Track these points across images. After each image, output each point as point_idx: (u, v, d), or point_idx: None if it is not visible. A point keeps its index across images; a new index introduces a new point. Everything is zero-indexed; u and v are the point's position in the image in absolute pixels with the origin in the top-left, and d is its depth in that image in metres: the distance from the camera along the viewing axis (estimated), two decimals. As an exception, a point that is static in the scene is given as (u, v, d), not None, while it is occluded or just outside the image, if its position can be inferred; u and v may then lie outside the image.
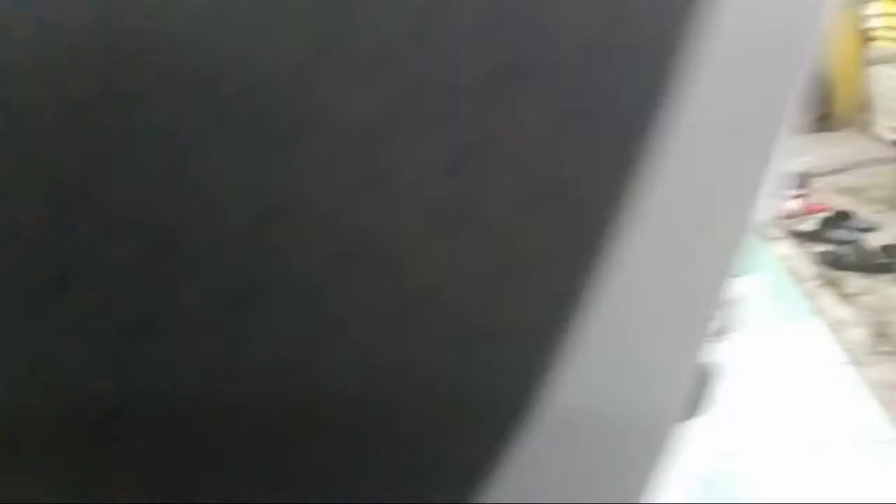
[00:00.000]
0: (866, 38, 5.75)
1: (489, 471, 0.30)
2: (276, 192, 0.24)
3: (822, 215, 4.06)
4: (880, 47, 5.35)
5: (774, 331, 2.98)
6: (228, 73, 0.22)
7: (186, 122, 0.23)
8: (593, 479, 0.33)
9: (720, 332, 0.44)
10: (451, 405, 0.30)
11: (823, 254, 3.57)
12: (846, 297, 3.19)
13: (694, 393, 0.46)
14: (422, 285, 0.28)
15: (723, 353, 0.44)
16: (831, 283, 3.32)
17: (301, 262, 0.26)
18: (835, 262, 3.47)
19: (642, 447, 0.34)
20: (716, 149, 0.33)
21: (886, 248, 3.45)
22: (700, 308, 0.36)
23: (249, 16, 0.22)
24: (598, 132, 0.28)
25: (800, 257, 3.69)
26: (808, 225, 4.01)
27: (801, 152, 5.47)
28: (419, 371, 0.29)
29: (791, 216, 4.24)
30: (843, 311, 3.05)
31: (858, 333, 2.86)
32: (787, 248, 3.83)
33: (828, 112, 6.18)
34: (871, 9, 5.49)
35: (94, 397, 0.24)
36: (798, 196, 4.41)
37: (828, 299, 3.18)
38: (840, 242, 3.64)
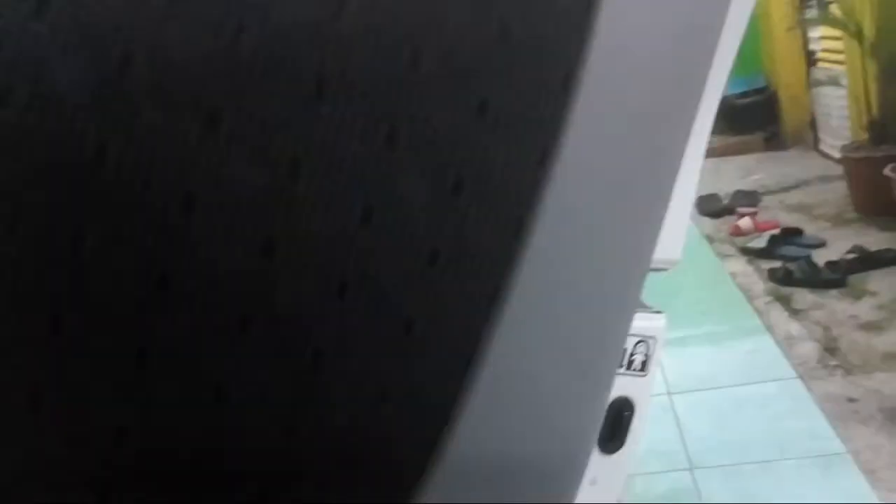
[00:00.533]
0: (811, 60, 5.96)
1: None
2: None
3: (771, 232, 4.16)
4: (824, 69, 5.55)
5: (725, 346, 3.04)
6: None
7: None
8: None
9: (640, 367, 0.45)
10: (351, 464, 0.30)
11: (773, 270, 3.67)
12: (795, 312, 3.27)
13: (612, 427, 0.47)
14: (320, 345, 0.28)
15: (641, 388, 0.45)
16: (781, 299, 3.41)
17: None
18: (784, 279, 3.56)
19: (553, 487, 0.35)
20: (612, 187, 0.34)
21: (834, 264, 3.56)
22: (606, 344, 0.37)
23: None
24: (484, 199, 0.29)
25: (750, 274, 3.78)
26: (759, 242, 4.12)
27: (751, 171, 5.62)
28: (316, 432, 0.29)
29: (742, 234, 4.35)
30: (793, 327, 3.12)
31: (808, 348, 2.93)
32: (738, 265, 3.92)
33: (776, 132, 6.37)
34: (815, 32, 5.70)
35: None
36: (748, 214, 4.52)
37: (778, 315, 3.26)
38: (789, 259, 3.74)
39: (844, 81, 4.77)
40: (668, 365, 2.88)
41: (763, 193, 5.05)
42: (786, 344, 2.98)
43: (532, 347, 0.33)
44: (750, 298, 3.47)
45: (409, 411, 0.30)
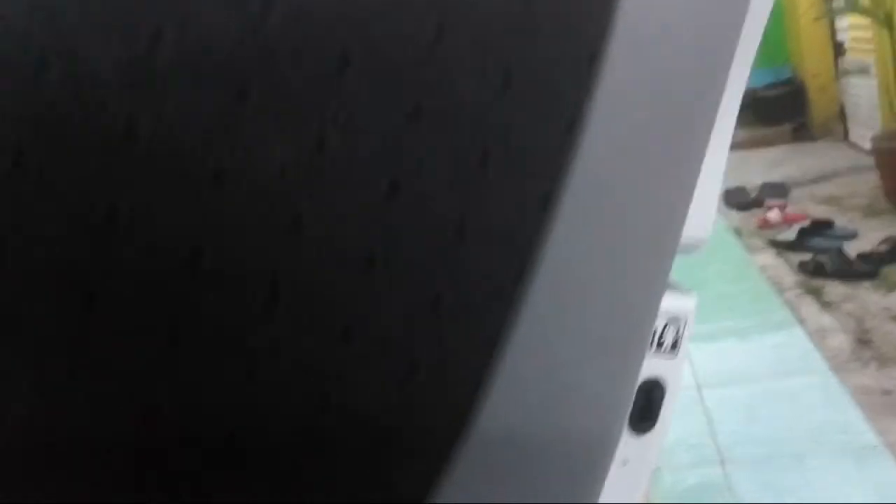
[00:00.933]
0: (839, 50, 5.85)
1: (431, 492, 0.31)
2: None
3: (800, 224, 4.10)
4: (852, 59, 5.45)
5: (755, 340, 3.00)
6: None
7: None
8: (540, 494, 0.33)
9: (670, 348, 0.45)
10: (382, 440, 0.30)
11: (803, 263, 3.61)
12: (827, 305, 3.22)
13: (642, 408, 0.47)
14: (348, 322, 0.28)
15: (672, 369, 0.44)
16: (812, 292, 3.36)
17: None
18: (815, 271, 3.50)
19: (584, 465, 0.35)
20: (639, 164, 0.34)
21: (865, 256, 3.49)
22: (635, 323, 0.36)
23: None
24: (510, 171, 0.29)
25: (780, 266, 3.72)
26: (788, 234, 4.06)
27: (779, 163, 5.54)
28: (347, 407, 0.29)
29: (771, 226, 4.28)
30: (824, 319, 3.07)
31: (840, 341, 2.88)
32: (767, 258, 3.87)
33: (804, 123, 6.27)
34: (843, 22, 5.60)
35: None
36: (777, 206, 4.46)
37: (809, 308, 3.21)
38: (819, 251, 3.67)
39: (874, 71, 4.68)
40: (698, 359, 2.85)
41: (791, 185, 4.98)
42: (817, 337, 2.94)
43: (561, 323, 0.33)
44: (780, 291, 3.42)
45: (438, 385, 0.30)
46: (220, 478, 0.28)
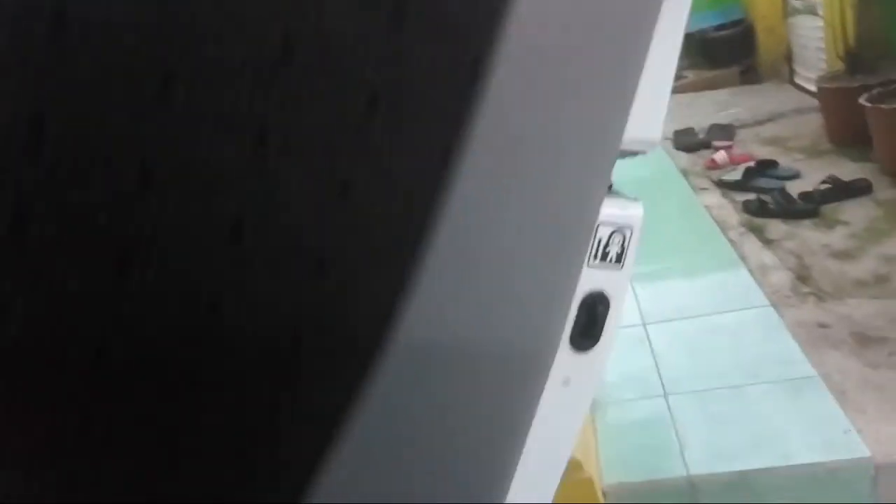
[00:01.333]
0: (788, -11, 5.87)
1: (350, 406, 0.28)
2: None
3: (746, 165, 4.16)
4: (800, -1, 5.48)
5: (699, 278, 3.06)
6: None
7: None
8: (469, 409, 0.30)
9: (615, 259, 0.42)
10: (301, 339, 0.27)
11: (747, 202, 3.67)
12: (769, 242, 3.29)
13: (585, 324, 0.44)
14: (247, 216, 0.24)
15: (617, 282, 0.42)
16: (755, 230, 3.42)
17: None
18: (758, 210, 3.57)
19: (515, 377, 0.32)
20: (579, 52, 0.31)
21: (807, 195, 3.57)
22: (569, 227, 0.33)
23: None
24: (433, 30, 0.25)
25: (725, 206, 3.78)
26: (734, 175, 4.11)
27: (727, 105, 5.58)
28: (243, 309, 0.25)
29: (718, 167, 4.34)
30: (766, 257, 3.14)
31: (780, 277, 2.95)
32: (713, 199, 3.92)
33: (752, 64, 6.31)
34: (792, -39, 5.60)
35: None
36: (724, 147, 4.51)
37: (751, 245, 3.28)
38: (763, 191, 3.74)
39: (821, 11, 4.71)
40: (643, 297, 2.89)
41: (738, 127, 5.03)
42: (759, 273, 3.00)
43: (491, 218, 0.30)
44: (724, 230, 3.48)
45: (354, 286, 0.27)
46: (95, 386, 0.24)
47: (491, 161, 0.28)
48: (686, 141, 4.85)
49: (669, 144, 4.85)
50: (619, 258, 0.41)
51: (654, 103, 0.41)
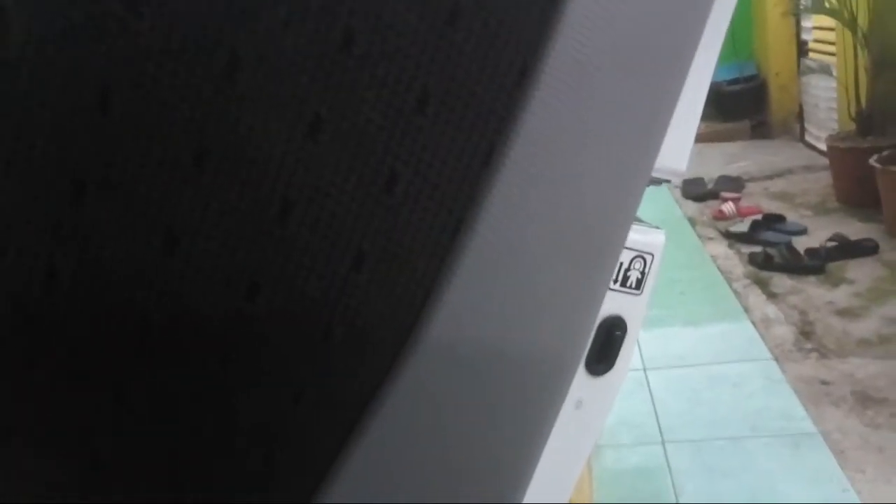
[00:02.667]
0: (802, 49, 5.95)
1: (374, 401, 0.28)
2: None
3: (753, 218, 4.17)
4: (814, 59, 5.55)
5: (702, 326, 3.05)
6: None
7: None
8: (488, 416, 0.30)
9: (635, 285, 0.43)
10: (319, 336, 0.27)
11: (753, 255, 3.68)
12: (773, 296, 3.29)
13: (601, 348, 0.44)
14: (285, 196, 0.25)
15: (635, 307, 0.42)
16: (759, 283, 3.42)
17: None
18: (764, 263, 3.57)
19: (538, 385, 0.32)
20: (620, 85, 0.31)
21: (813, 252, 3.57)
22: (602, 246, 0.34)
23: None
24: (483, 38, 0.25)
25: (731, 257, 3.79)
26: (741, 227, 4.12)
27: (737, 157, 5.63)
28: (280, 295, 0.26)
29: (725, 218, 4.35)
30: (770, 310, 3.14)
31: (783, 331, 2.94)
32: (719, 249, 3.93)
33: (764, 120, 6.38)
34: (807, 21, 5.68)
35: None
36: (732, 199, 4.53)
37: (756, 298, 3.27)
38: (770, 244, 3.74)
39: (834, 72, 4.77)
40: (646, 342, 2.88)
41: (747, 180, 5.06)
42: (762, 326, 3.00)
43: (525, 227, 0.30)
44: (729, 281, 3.48)
45: (387, 279, 0.27)
46: (128, 367, 0.24)
47: (530, 170, 0.28)
48: (695, 190, 4.87)
49: (678, 192, 4.87)
50: (639, 284, 0.42)
51: (684, 134, 0.41)
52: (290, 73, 0.23)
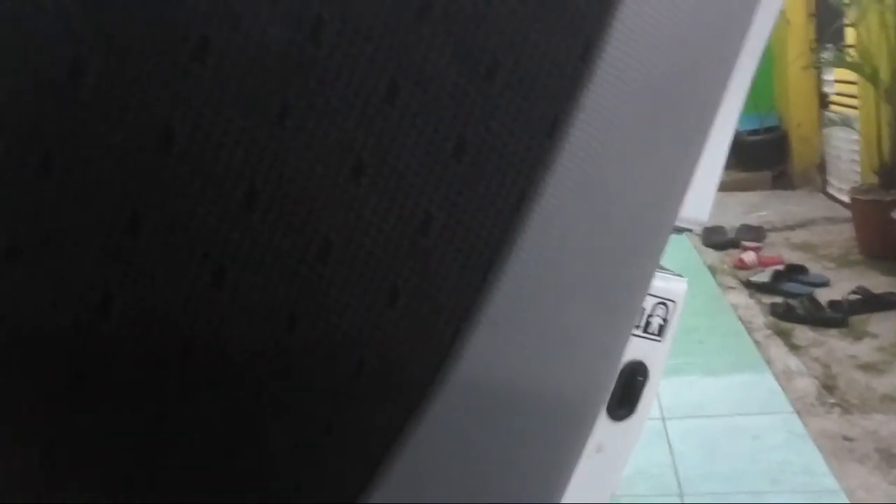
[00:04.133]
0: (824, 102, 5.97)
1: (401, 435, 0.29)
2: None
3: (775, 268, 4.14)
4: (836, 111, 5.56)
5: (722, 377, 3.01)
6: None
7: None
8: (509, 455, 0.31)
9: (657, 331, 0.43)
10: (353, 370, 0.28)
11: (775, 305, 3.64)
12: (795, 348, 3.24)
13: (623, 392, 0.45)
14: (328, 235, 0.26)
15: (656, 354, 0.43)
16: (781, 334, 3.38)
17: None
18: (786, 314, 3.53)
19: (563, 427, 0.33)
20: (650, 129, 0.33)
21: (835, 304, 3.53)
22: (628, 291, 0.35)
23: None
24: (519, 87, 0.27)
25: (752, 307, 3.75)
26: (762, 276, 4.09)
27: (758, 207, 5.61)
28: (318, 329, 0.27)
29: (746, 267, 4.32)
30: (791, 362, 3.09)
31: (805, 384, 2.90)
32: (739, 298, 3.89)
33: (785, 171, 6.37)
34: (828, 75, 5.72)
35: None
36: (753, 248, 4.51)
37: (777, 349, 3.23)
38: (791, 295, 3.71)
39: (857, 125, 4.77)
40: (664, 390, 2.85)
41: (768, 230, 5.04)
42: (783, 378, 2.95)
43: (555, 271, 0.31)
44: (750, 331, 3.44)
45: (419, 317, 0.28)
46: (170, 391, 0.26)
47: (560, 216, 0.29)
48: (715, 239, 4.86)
49: (698, 240, 4.86)
50: (661, 331, 0.42)
51: (706, 185, 0.43)
52: (337, 120, 0.25)
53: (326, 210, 0.25)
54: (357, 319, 0.27)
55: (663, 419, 2.70)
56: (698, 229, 0.42)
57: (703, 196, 0.43)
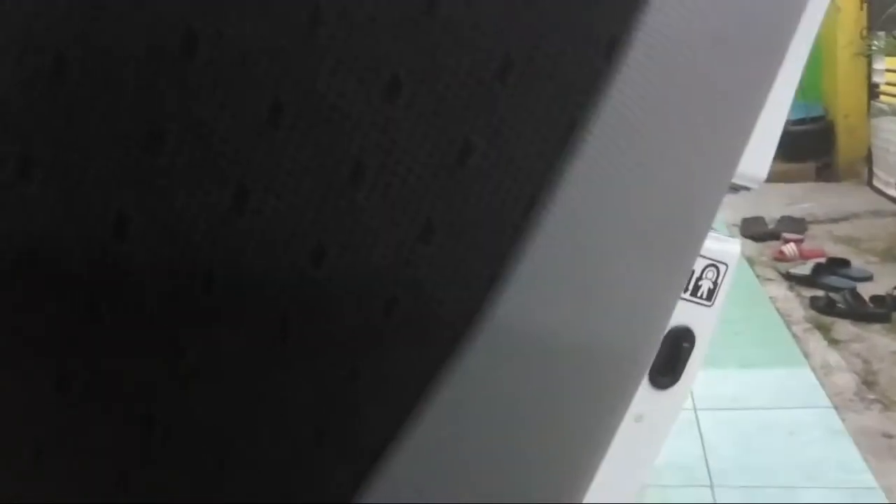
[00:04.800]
0: (873, 91, 5.79)
1: (430, 387, 0.27)
2: None
3: (816, 261, 4.04)
4: (885, 101, 5.38)
5: (758, 369, 2.94)
6: None
7: None
8: (544, 410, 0.29)
9: (707, 296, 0.41)
10: (383, 308, 0.26)
11: (815, 298, 3.55)
12: (835, 342, 3.16)
13: (666, 360, 0.42)
14: (360, 159, 0.24)
15: (705, 320, 0.40)
16: (821, 328, 3.29)
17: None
18: (826, 308, 3.44)
19: (602, 384, 0.30)
20: (708, 85, 0.30)
21: (878, 299, 3.43)
22: (679, 245, 0.32)
23: None
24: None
25: (791, 300, 3.66)
26: (803, 269, 3.99)
27: (800, 199, 5.48)
28: (346, 261, 0.25)
29: (786, 259, 4.22)
30: (831, 356, 3.01)
31: (845, 380, 2.82)
32: (778, 290, 3.81)
33: (830, 162, 6.20)
34: (878, 64, 5.53)
35: None
36: (794, 241, 4.40)
37: (816, 343, 3.15)
38: (833, 289, 3.61)
39: (908, 115, 4.62)
40: (698, 381, 2.79)
41: (810, 222, 4.91)
42: (822, 373, 2.87)
43: (601, 218, 0.29)
44: (788, 324, 3.36)
45: (455, 254, 0.26)
46: (189, 326, 0.24)
47: (610, 152, 0.27)
48: (755, 230, 4.75)
49: (736, 230, 4.76)
50: (710, 295, 0.40)
51: (766, 140, 0.40)
52: (372, 31, 0.23)
53: (358, 130, 0.23)
54: (389, 254, 0.25)
55: (695, 409, 2.65)
56: (756, 185, 0.39)
57: (762, 152, 0.41)
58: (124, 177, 0.22)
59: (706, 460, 2.37)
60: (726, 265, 0.40)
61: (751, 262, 4.29)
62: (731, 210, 5.06)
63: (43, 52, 0.21)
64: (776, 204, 5.24)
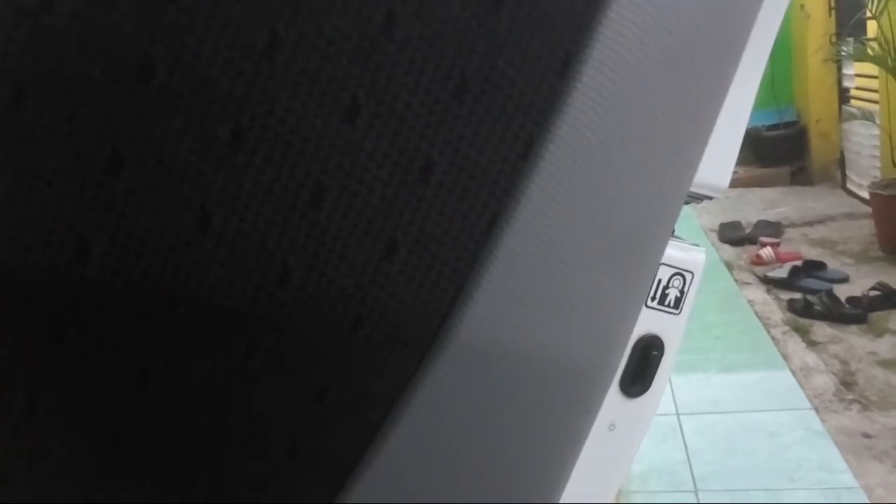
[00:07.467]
0: (844, 97, 5.89)
1: (401, 400, 0.27)
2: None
3: (793, 263, 4.09)
4: (855, 105, 5.48)
5: (738, 373, 2.97)
6: None
7: None
8: (510, 423, 0.29)
9: (674, 303, 0.41)
10: (348, 326, 0.26)
11: (793, 301, 3.59)
12: (813, 344, 3.20)
13: (636, 367, 0.43)
14: (329, 184, 0.24)
15: (673, 327, 0.41)
16: (799, 330, 3.33)
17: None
18: (804, 310, 3.48)
19: (568, 396, 0.31)
20: (661, 91, 0.31)
21: (855, 300, 3.48)
22: (638, 259, 0.33)
23: None
24: (528, 20, 0.25)
25: (769, 303, 3.70)
26: (780, 272, 4.04)
27: (776, 203, 5.55)
28: (311, 282, 0.25)
29: (763, 263, 4.27)
30: (810, 358, 3.05)
31: (823, 381, 2.85)
32: (756, 294, 3.85)
33: (804, 166, 6.29)
34: (848, 69, 5.63)
35: None
36: (771, 244, 4.45)
37: (795, 345, 3.18)
38: (809, 291, 3.66)
39: (878, 119, 4.70)
40: (679, 386, 2.81)
41: (786, 226, 4.98)
42: (801, 375, 2.91)
43: (561, 231, 0.29)
44: (767, 327, 3.40)
45: (419, 271, 0.26)
46: (154, 346, 0.24)
47: (568, 167, 0.27)
48: (732, 234, 4.80)
49: (714, 236, 4.81)
50: (678, 303, 0.40)
51: (726, 149, 0.41)
52: (330, 55, 0.23)
53: (319, 152, 0.23)
54: (354, 272, 0.25)
55: (678, 415, 2.67)
56: (718, 195, 0.40)
57: (722, 161, 0.41)
58: (86, 201, 0.22)
59: (690, 465, 2.38)
60: (692, 273, 0.41)
61: (729, 266, 4.33)
62: (708, 215, 5.11)
63: (2, 81, 0.21)
64: (752, 208, 5.31)
